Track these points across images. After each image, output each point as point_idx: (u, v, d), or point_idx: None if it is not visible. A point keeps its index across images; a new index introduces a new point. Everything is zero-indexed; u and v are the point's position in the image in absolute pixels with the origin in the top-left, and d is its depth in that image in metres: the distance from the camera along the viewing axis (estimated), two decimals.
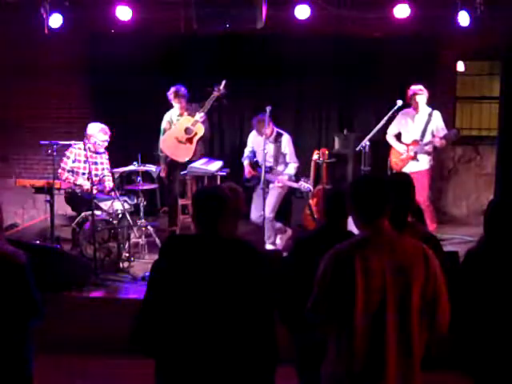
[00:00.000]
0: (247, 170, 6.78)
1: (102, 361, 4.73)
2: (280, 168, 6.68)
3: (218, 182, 6.61)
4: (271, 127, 6.54)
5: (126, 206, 6.17)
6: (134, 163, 6.25)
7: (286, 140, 6.65)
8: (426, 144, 6.55)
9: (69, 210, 6.48)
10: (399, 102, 6.50)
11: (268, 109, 6.32)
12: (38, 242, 6.01)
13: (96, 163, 6.39)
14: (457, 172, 8.38)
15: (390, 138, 6.85)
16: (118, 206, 6.09)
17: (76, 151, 6.34)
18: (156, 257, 2.66)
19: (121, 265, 5.92)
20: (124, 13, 6.65)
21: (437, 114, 6.61)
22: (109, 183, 6.47)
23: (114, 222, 6.01)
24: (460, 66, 8.12)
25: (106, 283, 5.57)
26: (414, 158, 6.59)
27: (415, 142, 6.59)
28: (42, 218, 6.96)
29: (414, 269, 2.52)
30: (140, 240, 6.34)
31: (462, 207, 8.38)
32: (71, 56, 8.17)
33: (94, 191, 5.86)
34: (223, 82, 6.64)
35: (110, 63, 7.92)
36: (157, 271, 2.59)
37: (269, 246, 6.55)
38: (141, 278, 5.60)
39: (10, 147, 8.60)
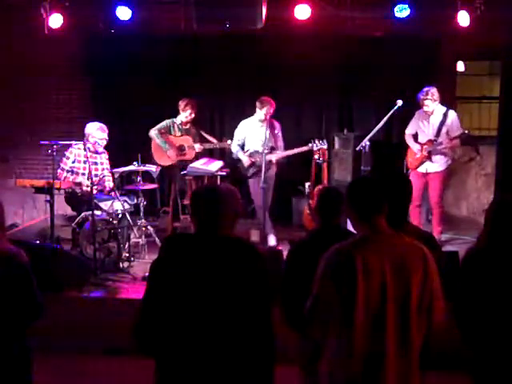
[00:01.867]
0: (246, 159, 6.82)
1: (102, 361, 4.73)
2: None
3: (218, 182, 6.63)
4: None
5: (126, 206, 6.17)
6: (134, 163, 6.26)
7: (279, 126, 6.90)
8: (439, 144, 6.55)
9: (69, 210, 6.48)
10: (399, 102, 6.49)
11: None
12: (37, 241, 6.00)
13: (96, 163, 6.38)
14: (457, 172, 8.38)
15: (407, 137, 6.86)
16: (118, 206, 6.09)
17: (76, 151, 6.33)
18: (156, 257, 2.66)
19: (121, 265, 5.92)
20: (124, 13, 6.66)
21: (452, 114, 6.60)
22: (109, 183, 6.47)
23: (114, 222, 6.00)
24: (460, 66, 8.12)
25: (106, 283, 5.58)
26: (429, 157, 6.59)
27: (430, 142, 6.59)
28: (41, 218, 6.96)
29: (413, 268, 2.53)
30: (140, 240, 6.34)
31: (461, 207, 8.38)
32: (71, 56, 8.17)
33: (94, 191, 5.86)
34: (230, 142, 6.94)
35: (109, 63, 7.92)
36: (156, 270, 2.59)
37: (273, 237, 6.71)
38: (141, 278, 5.61)
39: (10, 147, 8.59)
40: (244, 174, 6.90)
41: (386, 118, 6.57)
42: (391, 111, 6.55)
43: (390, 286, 2.49)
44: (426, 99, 6.51)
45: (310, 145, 6.75)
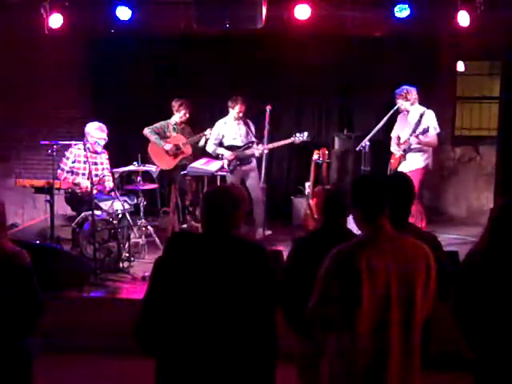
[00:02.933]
0: (229, 154, 6.96)
1: (102, 361, 4.72)
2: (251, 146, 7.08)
3: (218, 183, 6.64)
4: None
5: (126, 206, 6.17)
6: (134, 163, 6.26)
7: (251, 122, 7.14)
8: (405, 142, 6.47)
9: (69, 210, 6.48)
10: (399, 102, 6.48)
11: (268, 108, 6.53)
12: (37, 241, 6.00)
13: (96, 163, 6.38)
14: (457, 172, 8.39)
15: (392, 140, 6.84)
16: (118, 206, 6.08)
17: (76, 151, 6.33)
18: (156, 256, 2.66)
19: (121, 265, 5.91)
20: (124, 13, 6.66)
21: (428, 114, 6.49)
22: (109, 183, 6.46)
23: (114, 222, 6.00)
24: (460, 66, 8.12)
25: (106, 283, 5.58)
26: (404, 156, 6.54)
27: (406, 142, 6.54)
28: (41, 218, 6.96)
29: (417, 268, 2.53)
30: (140, 240, 6.34)
31: (461, 207, 8.38)
32: (71, 56, 8.17)
33: (94, 191, 5.86)
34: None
35: (109, 63, 7.92)
36: (160, 268, 2.58)
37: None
38: (141, 278, 5.60)
39: (10, 147, 8.59)
40: (228, 168, 7.01)
41: (386, 118, 6.57)
42: (391, 111, 6.55)
43: (394, 287, 2.48)
44: (399, 97, 6.48)
45: (292, 138, 6.93)
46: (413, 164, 6.48)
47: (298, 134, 6.92)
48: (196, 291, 2.48)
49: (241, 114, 6.95)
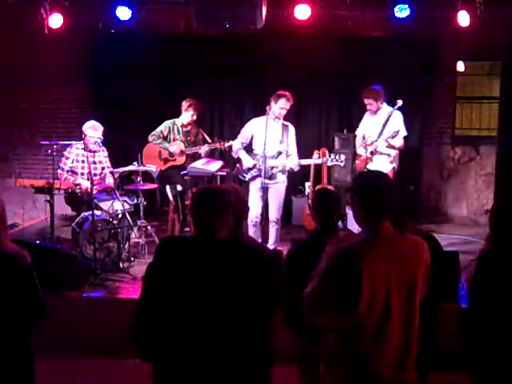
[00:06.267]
0: (248, 160, 6.22)
1: (101, 361, 4.72)
2: (282, 156, 6.21)
3: (218, 183, 6.62)
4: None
5: (126, 206, 6.17)
6: (134, 163, 6.25)
7: (293, 131, 6.32)
8: (371, 144, 6.35)
9: (69, 210, 6.48)
10: (399, 102, 6.47)
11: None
12: (37, 241, 6.00)
13: (95, 162, 6.39)
14: (457, 172, 8.39)
15: (357, 139, 6.77)
16: (118, 206, 6.09)
17: (75, 151, 6.35)
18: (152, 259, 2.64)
19: (121, 265, 5.92)
20: (124, 13, 6.67)
21: (395, 115, 6.38)
22: (109, 180, 6.44)
23: (114, 222, 6.00)
24: (460, 66, 8.12)
25: (106, 283, 5.58)
26: (371, 158, 6.40)
27: (372, 143, 6.37)
28: (42, 218, 6.96)
29: (418, 269, 2.52)
30: (140, 240, 6.34)
31: (461, 207, 8.38)
32: (71, 56, 8.17)
33: (94, 191, 5.86)
34: (231, 143, 6.46)
35: (110, 63, 7.91)
36: (151, 273, 2.54)
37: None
38: (141, 278, 5.60)
39: (10, 147, 8.60)
40: (242, 176, 6.31)
41: (386, 118, 6.56)
42: (391, 111, 6.54)
43: (394, 287, 2.46)
44: (367, 97, 6.40)
45: (325, 159, 6.34)
46: (380, 167, 6.17)
47: (332, 156, 6.23)
48: (185, 296, 2.43)
49: (283, 112, 6.07)
